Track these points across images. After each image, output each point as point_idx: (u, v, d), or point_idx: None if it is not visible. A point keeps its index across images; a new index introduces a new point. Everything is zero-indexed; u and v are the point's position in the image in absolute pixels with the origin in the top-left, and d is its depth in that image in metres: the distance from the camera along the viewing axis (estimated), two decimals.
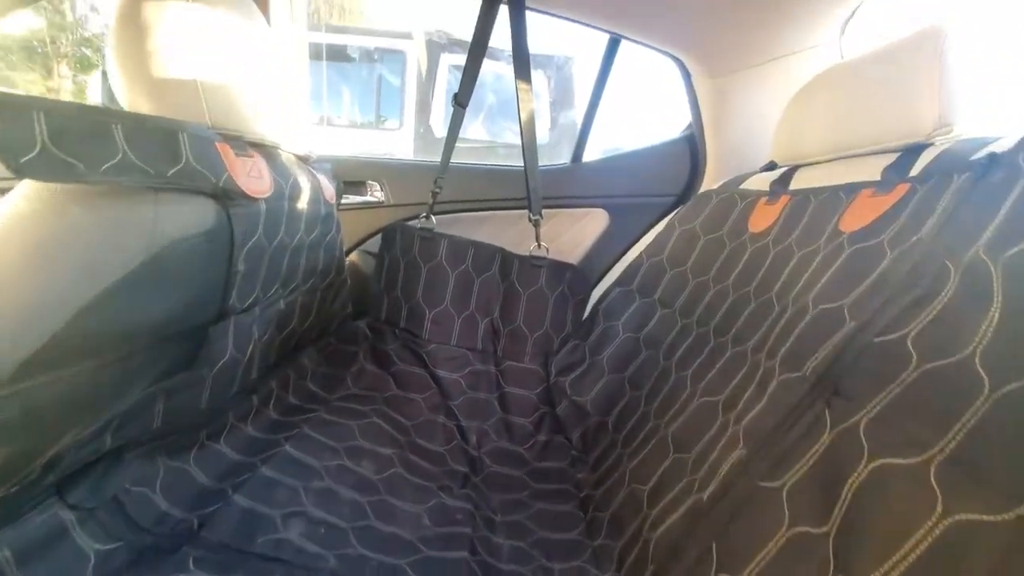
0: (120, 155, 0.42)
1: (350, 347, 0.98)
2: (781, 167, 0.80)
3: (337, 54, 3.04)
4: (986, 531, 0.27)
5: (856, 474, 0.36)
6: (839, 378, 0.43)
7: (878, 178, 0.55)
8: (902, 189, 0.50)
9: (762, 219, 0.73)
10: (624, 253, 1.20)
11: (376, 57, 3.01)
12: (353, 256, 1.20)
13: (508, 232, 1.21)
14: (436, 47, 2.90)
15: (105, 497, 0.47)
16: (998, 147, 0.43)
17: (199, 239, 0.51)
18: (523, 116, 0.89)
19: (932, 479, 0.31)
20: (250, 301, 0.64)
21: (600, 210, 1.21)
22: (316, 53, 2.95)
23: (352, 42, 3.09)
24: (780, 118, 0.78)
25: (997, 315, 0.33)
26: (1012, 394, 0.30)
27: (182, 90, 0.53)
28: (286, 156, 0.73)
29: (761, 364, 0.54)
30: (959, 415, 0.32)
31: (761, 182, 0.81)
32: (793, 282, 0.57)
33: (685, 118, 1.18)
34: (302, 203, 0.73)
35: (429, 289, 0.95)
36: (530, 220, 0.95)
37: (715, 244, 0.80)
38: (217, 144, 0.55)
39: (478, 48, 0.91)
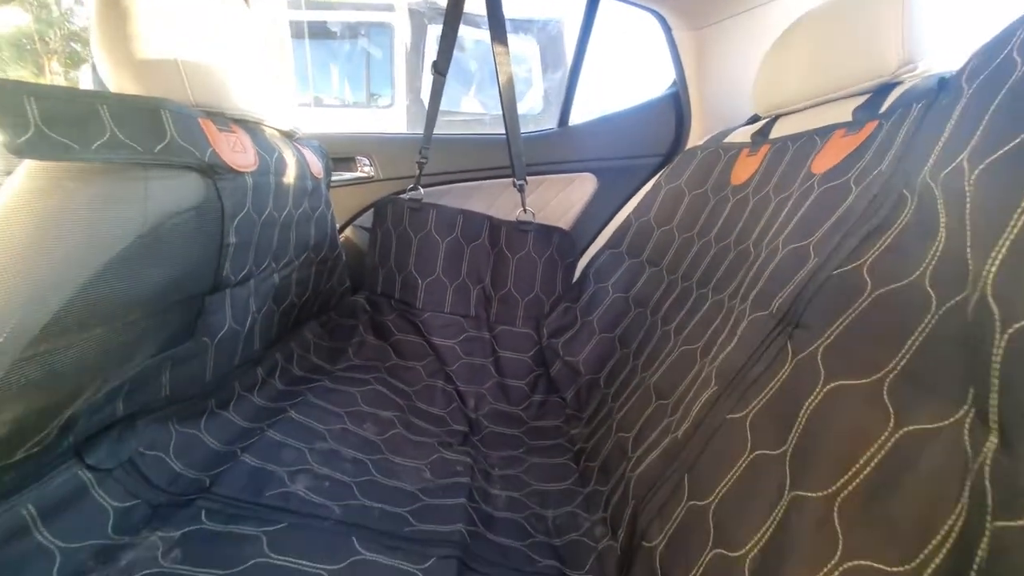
0: (108, 134, 0.44)
1: (350, 320, 1.01)
2: (763, 118, 0.79)
3: (323, 31, 2.96)
4: (930, 437, 0.29)
5: (812, 397, 0.38)
6: (801, 312, 0.44)
7: (850, 119, 0.56)
8: (871, 127, 0.51)
9: (744, 170, 0.73)
10: (613, 216, 1.20)
11: (363, 32, 2.94)
12: (348, 232, 1.22)
13: (497, 201, 1.22)
14: (420, 17, 2.82)
15: (121, 459, 0.51)
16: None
17: (190, 213, 0.53)
18: (502, 80, 0.89)
19: (885, 396, 0.33)
20: (244, 273, 0.66)
21: (588, 174, 1.21)
22: (299, 32, 2.88)
23: (335, 17, 3.00)
24: (759, 68, 0.77)
25: (943, 235, 0.33)
26: (954, 308, 0.31)
27: (164, 70, 0.55)
28: (269, 132, 0.74)
29: (735, 308, 0.56)
30: (909, 334, 0.33)
31: (744, 135, 0.81)
32: (768, 228, 0.58)
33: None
34: (288, 178, 0.75)
35: (421, 259, 0.98)
36: (515, 186, 0.96)
37: (700, 199, 0.80)
38: (200, 120, 0.56)
39: (454, 10, 0.90)
